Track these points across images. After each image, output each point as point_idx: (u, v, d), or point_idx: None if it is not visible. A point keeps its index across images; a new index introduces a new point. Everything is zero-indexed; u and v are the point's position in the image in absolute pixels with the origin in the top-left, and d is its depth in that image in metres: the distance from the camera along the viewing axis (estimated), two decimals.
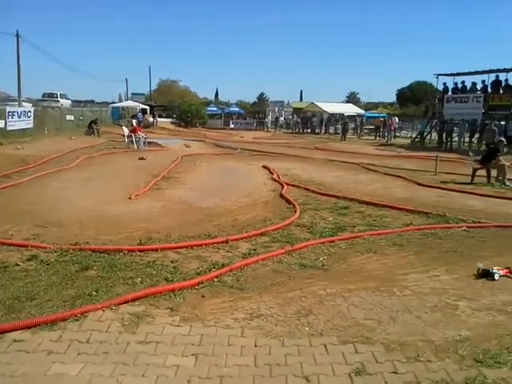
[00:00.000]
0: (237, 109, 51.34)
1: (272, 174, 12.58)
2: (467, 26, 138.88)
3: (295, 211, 7.74)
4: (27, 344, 3.29)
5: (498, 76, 23.44)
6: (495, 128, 20.41)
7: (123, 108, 43.73)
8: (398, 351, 3.28)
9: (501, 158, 11.95)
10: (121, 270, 4.82)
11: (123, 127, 23.07)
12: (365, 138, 33.76)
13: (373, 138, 32.97)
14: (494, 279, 4.74)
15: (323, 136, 34.71)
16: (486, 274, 4.81)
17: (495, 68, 23.44)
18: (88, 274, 4.69)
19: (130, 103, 44.94)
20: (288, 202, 8.70)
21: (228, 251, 5.62)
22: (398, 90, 66.66)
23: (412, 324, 3.73)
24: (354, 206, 8.39)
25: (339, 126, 35.76)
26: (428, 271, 5.03)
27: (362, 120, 37.68)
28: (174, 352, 3.23)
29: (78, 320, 3.64)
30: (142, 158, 15.60)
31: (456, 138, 24.20)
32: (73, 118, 29.94)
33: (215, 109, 50.26)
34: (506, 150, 17.69)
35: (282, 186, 10.34)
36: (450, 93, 26.51)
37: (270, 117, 43.75)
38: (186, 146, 20.85)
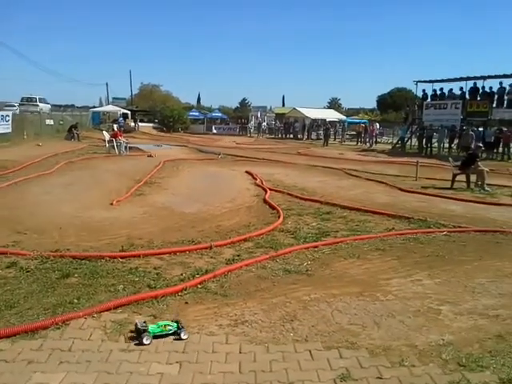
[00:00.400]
0: (219, 114, 51.32)
1: (255, 179, 12.59)
2: (447, 30, 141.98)
3: (279, 216, 7.74)
4: (7, 353, 3.20)
5: (475, 83, 23.96)
6: (472, 133, 21.19)
7: (104, 113, 43.30)
8: (382, 356, 3.29)
9: (479, 163, 12.18)
10: (103, 277, 4.74)
11: (104, 132, 22.84)
12: (346, 143, 34.08)
13: (354, 143, 33.31)
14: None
15: (305, 141, 34.91)
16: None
17: (472, 75, 24.00)
18: (69, 282, 4.61)
19: (110, 108, 44.54)
20: (271, 207, 8.70)
21: (212, 257, 5.58)
22: (379, 96, 67.79)
23: (396, 329, 3.76)
24: (336, 211, 8.44)
25: (321, 132, 36.06)
26: (411, 276, 5.08)
27: (343, 126, 38.07)
28: (157, 360, 3.18)
29: (59, 328, 3.57)
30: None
31: (436, 144, 24.60)
32: (52, 123, 29.51)
33: (197, 114, 50.14)
34: (484, 155, 18.06)
35: (266, 192, 10.35)
36: (429, 99, 26.98)
37: (252, 122, 43.86)
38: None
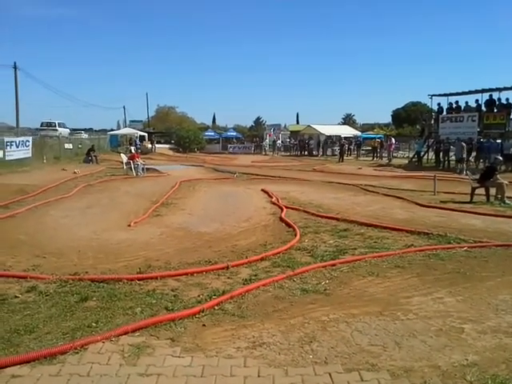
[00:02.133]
0: (234, 133, 51.77)
1: (271, 197, 12.58)
2: (461, 43, 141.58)
3: (295, 234, 7.70)
4: (26, 379, 3.21)
5: (491, 95, 23.78)
6: (463, 143, 21.80)
7: (121, 135, 44.05)
8: (404, 378, 3.21)
9: (498, 176, 11.99)
10: (120, 300, 4.75)
11: (122, 154, 23.19)
12: (362, 159, 33.92)
13: (370, 158, 33.15)
14: None
15: (321, 158, 34.91)
16: None
17: (488, 87, 23.82)
18: (87, 305, 4.63)
19: (128, 130, 45.32)
20: (288, 225, 8.67)
21: (229, 277, 5.56)
22: (393, 110, 67.51)
23: (417, 349, 3.66)
24: (354, 228, 8.36)
25: (336, 148, 36.02)
26: (431, 293, 4.98)
27: (359, 141, 37.99)
28: None
29: (77, 353, 3.57)
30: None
31: (453, 158, 24.31)
32: (71, 147, 30.10)
33: (213, 134, 50.74)
34: (503, 168, 17.77)
35: (282, 210, 10.32)
36: (444, 113, 26.80)
37: (267, 140, 44.10)
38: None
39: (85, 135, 45.30)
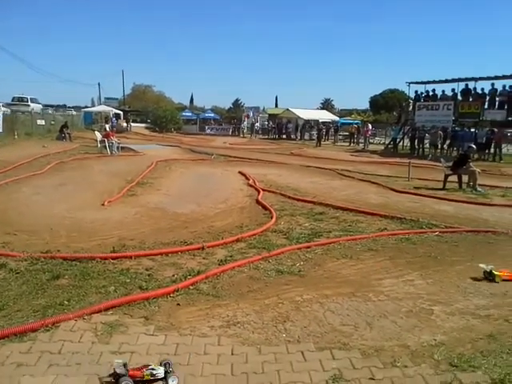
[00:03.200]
0: (212, 114, 51.32)
1: (248, 179, 12.56)
2: (439, 31, 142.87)
3: (271, 217, 7.73)
4: None
5: (467, 84, 24.15)
6: (441, 132, 22.90)
7: (96, 113, 43.07)
8: (374, 357, 3.29)
9: (471, 164, 12.24)
10: (93, 279, 4.70)
11: (96, 132, 22.72)
12: (339, 144, 34.14)
13: (347, 144, 33.39)
14: (494, 281, 4.90)
15: (298, 142, 34.94)
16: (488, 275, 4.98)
17: (464, 77, 24.17)
18: (59, 283, 4.56)
19: (103, 108, 44.30)
20: (264, 207, 8.69)
21: (204, 258, 5.56)
22: (371, 97, 68.02)
23: (388, 329, 3.75)
24: (329, 212, 8.44)
25: (314, 133, 36.12)
26: (403, 276, 5.09)
27: (336, 126, 38.16)
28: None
29: (49, 330, 3.53)
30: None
31: (427, 145, 24.70)
32: (44, 123, 29.30)
33: (190, 114, 50.15)
34: (476, 156, 18.14)
35: (258, 192, 10.33)
36: (421, 100, 27.12)
37: (245, 122, 43.87)
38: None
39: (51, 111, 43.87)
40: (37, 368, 3.05)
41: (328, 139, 36.14)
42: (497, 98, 22.79)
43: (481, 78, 23.35)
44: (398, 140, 27.74)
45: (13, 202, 8.65)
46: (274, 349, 3.39)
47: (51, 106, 47.14)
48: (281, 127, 40.40)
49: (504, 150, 22.03)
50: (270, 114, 54.62)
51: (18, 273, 4.80)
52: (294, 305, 4.20)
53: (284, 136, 39.36)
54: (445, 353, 3.34)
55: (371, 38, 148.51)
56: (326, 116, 43.56)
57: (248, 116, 45.70)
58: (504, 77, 22.16)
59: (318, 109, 59.50)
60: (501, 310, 4.22)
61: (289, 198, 9.90)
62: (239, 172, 14.26)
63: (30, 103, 36.54)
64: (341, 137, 37.77)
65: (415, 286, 4.79)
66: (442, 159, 13.77)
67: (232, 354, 3.31)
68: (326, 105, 77.22)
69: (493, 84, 22.76)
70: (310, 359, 3.25)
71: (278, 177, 13.63)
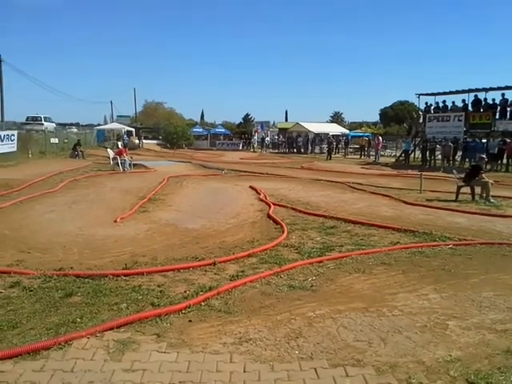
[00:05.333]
0: (223, 130, 51.64)
1: (259, 194, 12.58)
2: (448, 43, 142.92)
3: (283, 231, 7.71)
4: (8, 375, 3.16)
5: (476, 95, 24.05)
6: (451, 144, 22.69)
7: (108, 130, 43.64)
8: (389, 373, 3.23)
9: (484, 175, 12.13)
10: (106, 296, 4.71)
11: (108, 150, 22.99)
12: (350, 157, 34.08)
13: (358, 157, 33.34)
14: None
15: (309, 156, 34.97)
16: None
17: (474, 88, 24.08)
18: (72, 301, 4.58)
19: (115, 125, 44.89)
20: (275, 222, 8.67)
21: (215, 273, 5.55)
22: (381, 109, 68.05)
23: (402, 345, 3.69)
24: (341, 226, 8.40)
25: (324, 146, 36.14)
26: (417, 290, 5.02)
27: (347, 139, 38.17)
28: (160, 380, 3.14)
29: (61, 348, 3.53)
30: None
31: (439, 157, 24.55)
32: (57, 141, 29.75)
33: (201, 130, 50.55)
34: (488, 167, 18.00)
35: (269, 206, 10.33)
36: (431, 112, 27.04)
37: (255, 137, 44.09)
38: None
39: (75, 130, 44.75)
40: None
41: (338, 152, 36.15)
42: (508, 108, 22.66)
43: (491, 89, 23.27)
44: (409, 152, 27.63)
45: (26, 220, 8.75)
46: (287, 366, 3.35)
47: (64, 125, 47.93)
48: (291, 141, 40.51)
49: None
50: (280, 128, 54.82)
51: (31, 290, 4.84)
52: (307, 320, 4.16)
53: (294, 150, 39.41)
54: (461, 369, 3.27)
55: (380, 51, 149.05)
56: (336, 129, 43.60)
57: (258, 131, 45.93)
58: None
59: (327, 122, 59.65)
60: None
61: (300, 212, 9.88)
62: (250, 186, 14.29)
63: (43, 122, 37.18)
64: (351, 150, 37.75)
65: (429, 301, 4.72)
66: (454, 171, 13.66)
67: (244, 371, 3.28)
68: (336, 118, 77.29)
69: (503, 94, 22.69)
70: (324, 376, 3.21)
71: (288, 191, 13.62)
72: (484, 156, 14.25)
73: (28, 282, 5.10)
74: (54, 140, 29.60)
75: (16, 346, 3.53)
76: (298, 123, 44.24)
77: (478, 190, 11.96)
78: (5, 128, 25.72)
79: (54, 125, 39.98)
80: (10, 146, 22.33)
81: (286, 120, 74.01)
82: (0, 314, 4.23)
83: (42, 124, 36.27)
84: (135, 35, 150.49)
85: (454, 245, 6.93)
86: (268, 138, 45.26)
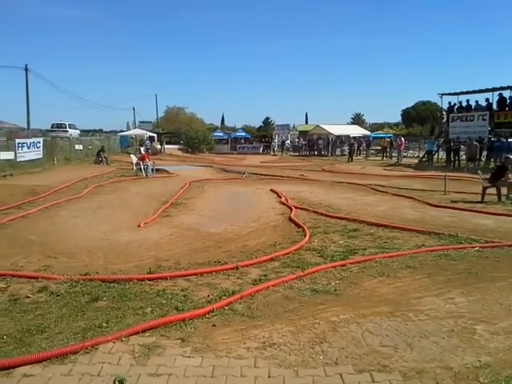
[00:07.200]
0: (243, 133, 51.85)
1: (280, 197, 12.56)
2: (471, 42, 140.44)
3: (305, 235, 7.68)
4: (37, 379, 3.23)
5: (501, 94, 23.52)
6: (476, 144, 22.13)
7: (131, 136, 44.30)
8: (416, 379, 3.18)
9: (510, 175, 11.85)
10: (131, 300, 4.77)
11: (131, 155, 23.33)
12: (372, 158, 33.76)
13: (380, 158, 32.99)
14: None
15: (330, 158, 34.78)
16: None
17: (499, 86, 23.57)
18: (98, 305, 4.65)
19: (137, 131, 45.60)
20: (297, 225, 8.64)
21: (238, 278, 5.56)
22: (403, 110, 67.21)
23: (429, 350, 3.63)
24: (364, 228, 8.32)
25: (346, 148, 35.91)
26: (443, 294, 4.93)
27: (368, 141, 37.84)
28: None
29: (88, 353, 3.59)
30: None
31: (464, 157, 24.09)
32: (82, 148, 30.34)
33: (222, 134, 50.91)
34: None
35: (291, 210, 10.30)
36: (455, 112, 26.58)
37: (276, 140, 44.12)
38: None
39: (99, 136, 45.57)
40: None
41: (360, 154, 35.85)
42: None
43: None
44: (433, 152, 27.19)
45: (53, 226, 8.93)
46: (312, 371, 3.32)
47: (88, 131, 48.89)
48: (312, 144, 40.38)
49: None
50: (300, 131, 54.74)
51: (58, 295, 4.93)
52: (331, 325, 4.13)
53: (315, 152, 39.28)
54: (491, 375, 3.19)
55: (402, 51, 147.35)
56: (357, 131, 43.29)
57: (278, 134, 45.95)
58: None
59: (348, 124, 59.27)
60: None
61: (322, 214, 9.82)
62: (271, 190, 14.29)
63: (68, 129, 37.98)
64: (373, 151, 37.40)
65: (456, 305, 4.63)
66: (479, 171, 13.39)
67: (269, 376, 3.27)
68: (357, 119, 76.80)
69: None
70: (349, 382, 3.17)
71: (309, 194, 13.57)
72: (510, 156, 13.88)
73: (55, 286, 5.20)
74: (79, 146, 30.21)
75: (44, 350, 3.61)
76: (318, 125, 44.11)
77: (504, 190, 11.70)
78: (31, 135, 26.40)
79: (78, 131, 40.82)
80: (36, 153, 22.88)
81: (307, 122, 74.00)
82: (29, 318, 4.33)
83: (67, 131, 37.06)
84: (155, 41, 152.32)
85: (480, 247, 6.78)
86: (288, 141, 45.21)
